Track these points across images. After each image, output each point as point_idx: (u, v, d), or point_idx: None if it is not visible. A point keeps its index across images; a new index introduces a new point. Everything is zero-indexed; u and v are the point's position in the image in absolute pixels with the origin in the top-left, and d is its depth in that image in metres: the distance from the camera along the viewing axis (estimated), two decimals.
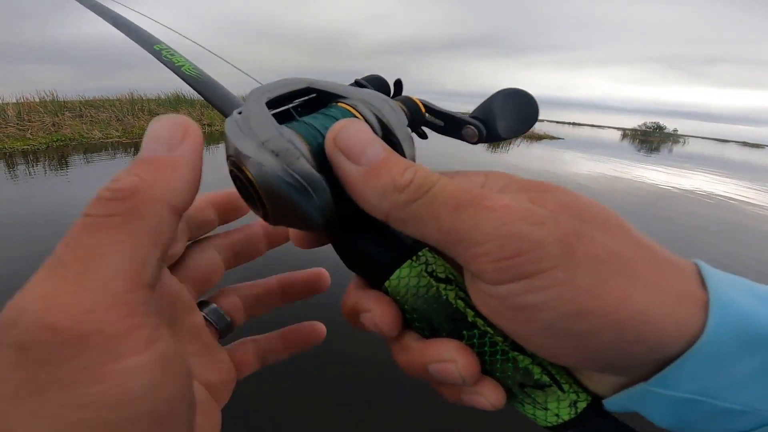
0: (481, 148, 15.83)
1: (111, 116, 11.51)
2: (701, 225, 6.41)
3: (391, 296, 0.22)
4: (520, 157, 13.56)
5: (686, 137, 49.44)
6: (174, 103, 14.19)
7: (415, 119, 0.30)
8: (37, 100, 10.54)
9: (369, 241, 0.23)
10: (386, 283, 0.22)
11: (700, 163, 17.83)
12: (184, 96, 15.07)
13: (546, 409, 0.22)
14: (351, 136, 0.21)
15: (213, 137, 12.46)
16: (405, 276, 0.21)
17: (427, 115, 0.32)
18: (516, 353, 0.22)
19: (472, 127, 0.30)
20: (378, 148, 0.21)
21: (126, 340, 0.15)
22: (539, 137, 21.91)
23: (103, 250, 0.16)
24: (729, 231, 6.41)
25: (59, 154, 7.87)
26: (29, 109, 9.77)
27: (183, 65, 0.44)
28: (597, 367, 0.22)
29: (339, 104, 0.25)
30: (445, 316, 0.21)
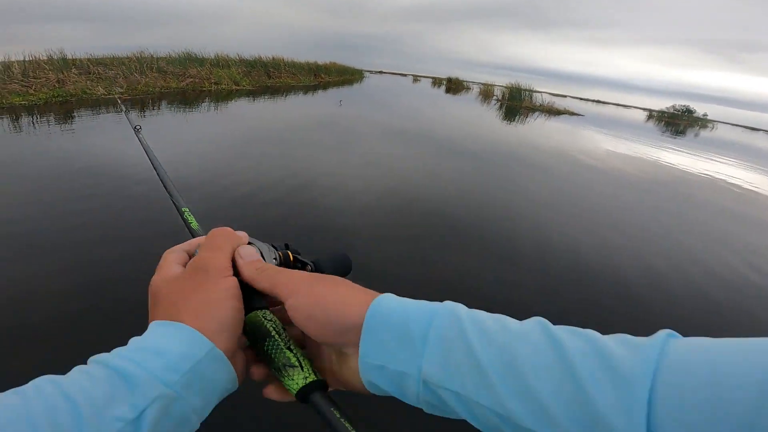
0: (498, 119, 15.15)
1: (118, 73, 11.28)
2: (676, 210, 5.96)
3: (247, 321, 0.42)
4: (534, 130, 12.92)
5: (715, 122, 46.75)
6: (184, 62, 13.83)
7: (286, 260, 0.50)
8: (45, 58, 10.33)
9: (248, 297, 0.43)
10: (247, 317, 0.42)
11: (724, 148, 16.83)
12: (195, 55, 14.70)
13: (292, 380, 0.38)
14: (245, 252, 0.45)
15: (221, 94, 12.22)
16: (253, 315, 0.42)
17: (295, 257, 0.51)
18: (286, 350, 0.39)
19: (310, 266, 0.51)
20: (253, 255, 0.45)
21: (225, 273, 0.41)
22: (558, 112, 20.91)
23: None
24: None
25: (64, 110, 7.75)
26: (36, 66, 9.60)
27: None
28: (337, 341, 0.38)
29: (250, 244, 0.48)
30: (260, 333, 0.41)
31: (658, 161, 10.42)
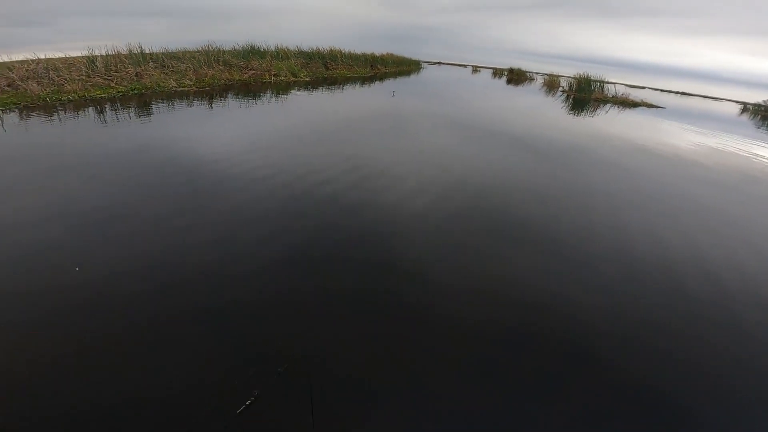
0: (564, 111, 13.96)
1: (188, 67, 11.96)
2: None
3: None
4: (607, 123, 11.67)
5: None
6: (247, 55, 14.39)
7: None
8: (126, 52, 11.21)
9: None
10: None
11: None
12: (257, 48, 15.23)
13: None
14: None
15: (280, 86, 12.52)
16: None
17: None
18: None
19: None
20: None
21: None
22: (634, 104, 18.86)
23: None
24: None
25: (142, 101, 8.35)
26: (117, 61, 10.44)
27: None
28: None
29: None
30: None
31: (754, 158, 8.89)
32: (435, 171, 5.20)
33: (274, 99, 10.06)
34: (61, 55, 10.70)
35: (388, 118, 8.44)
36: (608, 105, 17.56)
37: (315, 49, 17.47)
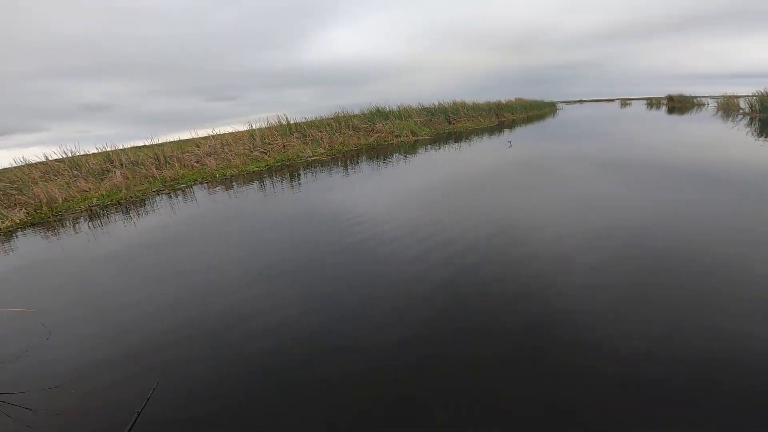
0: (752, 135, 11.36)
1: (324, 135, 14.16)
2: None
3: None
4: None
5: None
6: (372, 117, 16.26)
7: None
8: (278, 124, 14.02)
9: None
10: None
11: None
12: (381, 109, 17.09)
13: None
14: None
15: (402, 146, 13.62)
16: None
17: None
18: None
19: None
20: None
21: None
22: None
23: None
24: None
25: (287, 172, 10.30)
26: (269, 133, 13.13)
27: None
28: None
29: None
30: None
31: None
32: (598, 224, 4.68)
33: (398, 161, 10.88)
34: (243, 127, 13.96)
35: (524, 169, 8.21)
36: None
37: (437, 104, 18.65)
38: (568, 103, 39.03)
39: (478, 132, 16.85)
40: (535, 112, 25.47)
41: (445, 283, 3.50)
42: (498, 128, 17.88)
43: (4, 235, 6.96)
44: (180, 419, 2.21)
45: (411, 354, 2.63)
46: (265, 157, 11.58)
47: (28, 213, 8.03)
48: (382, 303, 3.29)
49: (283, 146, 12.52)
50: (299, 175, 9.85)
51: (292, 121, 14.52)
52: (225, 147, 12.26)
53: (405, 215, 5.63)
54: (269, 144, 12.41)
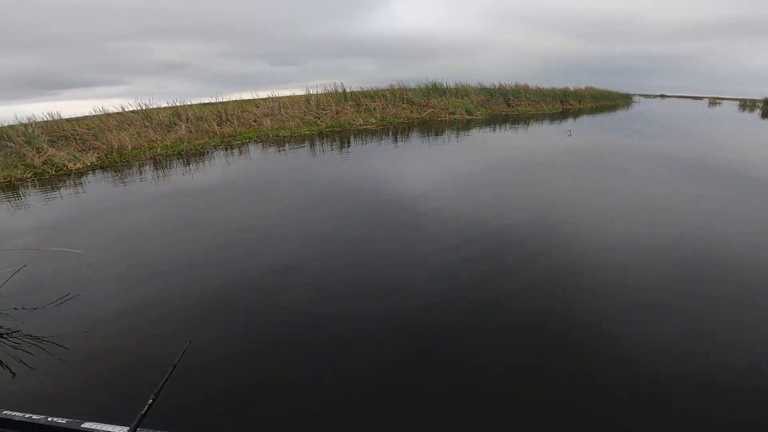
0: None
1: (377, 105, 14.27)
2: None
3: None
4: None
5: None
6: (426, 92, 16.06)
7: None
8: (333, 90, 14.31)
9: None
10: None
11: None
12: (438, 85, 16.80)
13: None
14: None
15: (454, 124, 13.45)
16: None
17: None
18: None
19: None
20: None
21: None
22: None
23: None
24: None
25: (338, 137, 10.62)
26: (324, 100, 13.45)
27: None
28: None
29: None
30: None
31: None
32: (664, 230, 4.20)
33: (449, 138, 10.79)
34: (301, 92, 14.46)
35: (580, 161, 7.83)
36: None
37: (497, 85, 17.99)
38: (646, 96, 35.96)
39: (538, 117, 16.13)
40: (605, 102, 23.78)
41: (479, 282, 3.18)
42: (561, 115, 16.99)
43: (75, 176, 7.82)
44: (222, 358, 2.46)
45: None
46: (318, 121, 11.96)
47: (99, 157, 8.91)
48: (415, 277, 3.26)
49: (336, 113, 12.82)
50: (349, 141, 10.13)
51: (347, 90, 14.74)
52: (282, 109, 12.78)
53: (447, 193, 5.62)
54: (323, 109, 12.77)
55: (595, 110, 20.17)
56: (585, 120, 16.20)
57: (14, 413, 1.09)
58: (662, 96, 37.57)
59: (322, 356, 2.34)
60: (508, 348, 2.40)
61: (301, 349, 2.39)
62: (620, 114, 19.57)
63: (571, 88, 21.20)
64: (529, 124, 14.46)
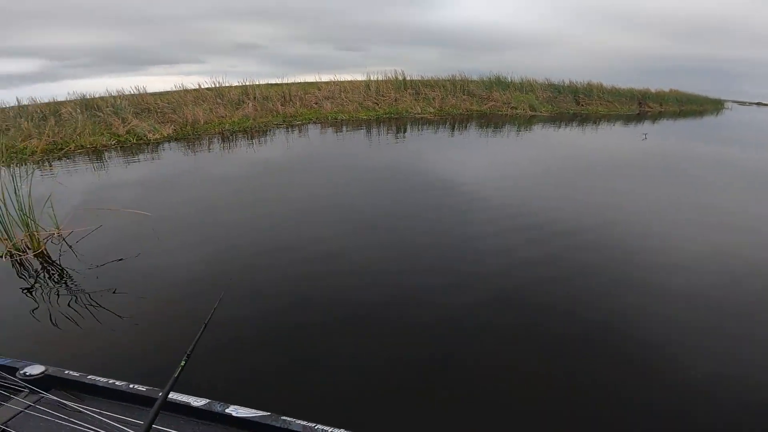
0: None
1: (436, 94, 14.11)
2: None
3: None
4: None
5: None
6: (488, 85, 15.55)
7: None
8: (393, 77, 14.34)
9: None
10: None
11: None
12: (502, 79, 16.18)
13: None
14: None
15: (516, 119, 12.93)
16: None
17: None
18: None
19: None
20: None
21: None
22: None
23: None
24: None
25: (395, 124, 10.70)
26: (383, 86, 13.53)
27: None
28: None
29: None
30: None
31: None
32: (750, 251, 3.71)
33: (509, 133, 10.43)
34: (361, 78, 14.71)
35: (655, 166, 7.21)
36: None
37: (567, 82, 17.00)
38: (741, 103, 32.16)
39: (611, 118, 15.02)
40: (691, 107, 21.60)
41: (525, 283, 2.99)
42: (637, 118, 15.70)
43: (152, 145, 8.56)
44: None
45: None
46: (376, 107, 12.09)
47: (175, 129, 9.67)
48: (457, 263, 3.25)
49: (395, 100, 12.87)
50: (405, 128, 10.15)
51: (407, 78, 14.71)
52: (342, 93, 13.08)
53: (501, 191, 5.32)
54: (382, 96, 12.88)
55: (678, 114, 18.41)
56: (666, 124, 14.85)
57: (98, 378, 1.17)
58: (759, 104, 33.36)
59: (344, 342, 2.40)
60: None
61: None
62: (708, 120, 17.68)
63: (653, 90, 19.50)
64: (598, 124, 13.54)
